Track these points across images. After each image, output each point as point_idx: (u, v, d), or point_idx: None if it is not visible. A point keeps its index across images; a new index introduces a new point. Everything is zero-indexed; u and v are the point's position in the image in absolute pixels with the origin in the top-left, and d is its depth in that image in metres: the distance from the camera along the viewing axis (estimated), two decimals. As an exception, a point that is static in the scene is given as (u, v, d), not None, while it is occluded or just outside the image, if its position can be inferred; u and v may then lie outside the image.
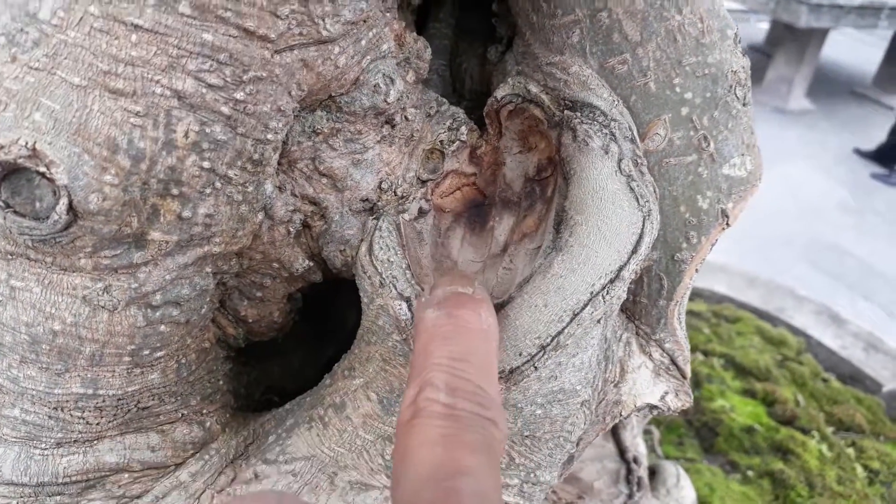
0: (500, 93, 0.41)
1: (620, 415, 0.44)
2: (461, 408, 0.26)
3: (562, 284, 0.36)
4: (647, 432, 1.07)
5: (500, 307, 0.36)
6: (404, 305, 0.37)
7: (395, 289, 0.38)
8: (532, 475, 0.40)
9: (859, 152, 4.09)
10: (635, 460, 0.62)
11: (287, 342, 0.47)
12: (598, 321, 0.37)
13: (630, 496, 0.58)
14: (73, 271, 0.32)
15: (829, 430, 1.20)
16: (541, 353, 0.36)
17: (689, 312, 1.49)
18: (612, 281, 0.36)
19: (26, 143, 0.28)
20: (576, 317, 0.36)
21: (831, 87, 5.33)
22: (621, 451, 0.63)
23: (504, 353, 0.36)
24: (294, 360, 0.51)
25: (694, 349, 1.37)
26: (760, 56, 5.50)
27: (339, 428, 0.38)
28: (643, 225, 0.37)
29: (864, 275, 2.82)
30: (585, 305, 0.36)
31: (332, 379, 0.41)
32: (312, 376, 0.48)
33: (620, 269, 0.37)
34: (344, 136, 0.38)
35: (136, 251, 0.32)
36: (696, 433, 1.19)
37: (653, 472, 0.72)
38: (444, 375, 0.27)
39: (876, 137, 4.12)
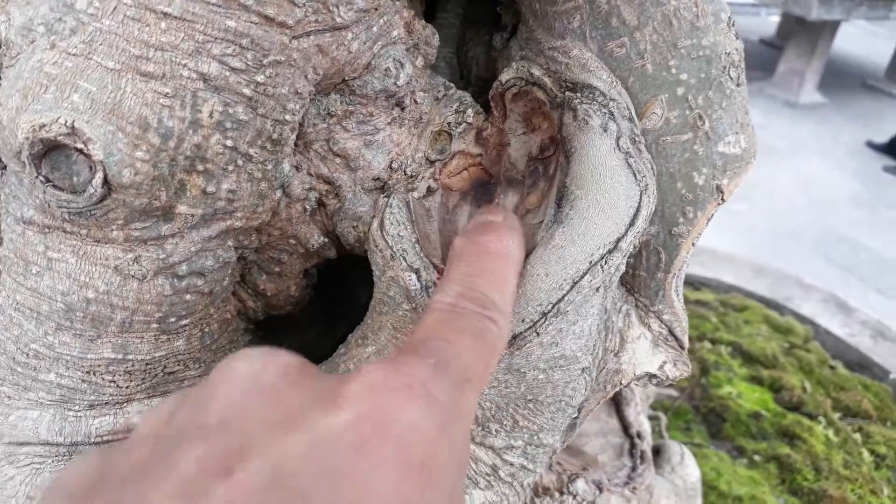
0: (505, 77, 0.44)
1: (620, 383, 0.46)
2: (462, 306, 0.29)
3: (562, 255, 0.38)
4: (654, 418, 1.08)
5: None
6: (414, 276, 0.39)
7: (406, 261, 0.40)
8: (535, 437, 0.42)
9: (872, 145, 4.07)
10: (639, 435, 0.63)
11: (303, 318, 0.50)
12: (598, 290, 0.39)
13: (633, 468, 0.60)
14: (106, 243, 0.35)
15: (836, 415, 1.21)
16: (542, 320, 0.38)
17: (697, 302, 1.51)
18: (610, 251, 0.38)
19: (66, 122, 0.31)
20: (575, 285, 0.38)
21: (843, 80, 5.29)
22: (625, 426, 0.65)
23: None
24: (310, 335, 0.53)
25: (701, 337, 1.38)
26: (771, 49, 5.48)
27: (354, 392, 0.41)
28: (640, 199, 0.39)
29: (876, 268, 2.81)
30: (584, 274, 0.38)
31: (346, 348, 0.43)
32: (327, 351, 0.50)
33: (619, 240, 0.39)
34: (356, 118, 0.40)
35: (164, 224, 0.35)
36: (704, 419, 1.20)
37: (657, 452, 0.73)
38: (456, 286, 0.30)
39: (888, 130, 4.10)
